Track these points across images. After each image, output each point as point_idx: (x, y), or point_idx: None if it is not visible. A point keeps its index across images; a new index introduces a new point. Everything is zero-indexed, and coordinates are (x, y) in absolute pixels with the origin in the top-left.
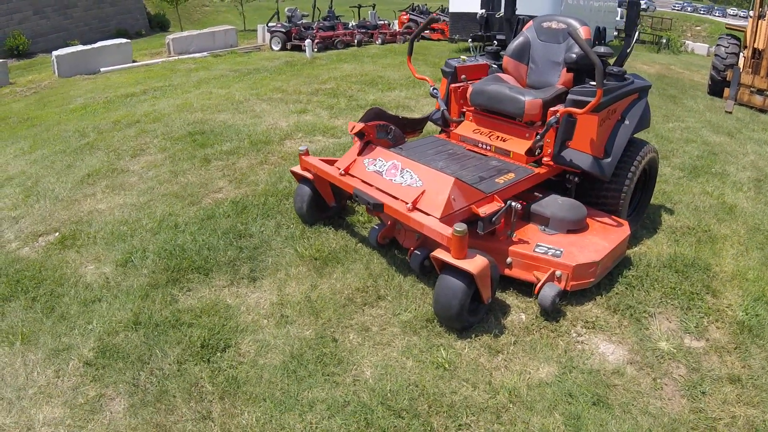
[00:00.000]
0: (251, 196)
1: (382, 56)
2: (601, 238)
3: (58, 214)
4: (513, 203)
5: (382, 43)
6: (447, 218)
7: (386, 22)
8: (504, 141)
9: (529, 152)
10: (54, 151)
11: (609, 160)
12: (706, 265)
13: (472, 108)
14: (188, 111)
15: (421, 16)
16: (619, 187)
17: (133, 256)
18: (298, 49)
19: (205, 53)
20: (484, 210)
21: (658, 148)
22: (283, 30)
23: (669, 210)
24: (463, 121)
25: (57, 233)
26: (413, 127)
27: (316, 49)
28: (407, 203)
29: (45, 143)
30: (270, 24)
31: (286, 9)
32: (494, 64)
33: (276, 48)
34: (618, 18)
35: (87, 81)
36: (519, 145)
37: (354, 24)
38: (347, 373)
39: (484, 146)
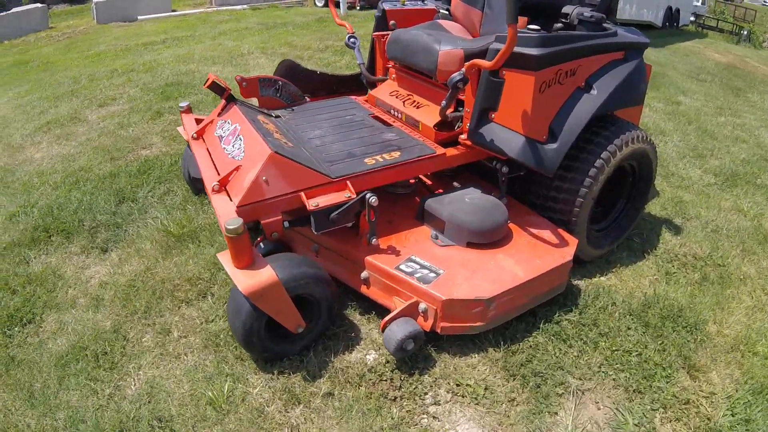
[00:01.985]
0: (168, 156)
1: None
2: (517, 262)
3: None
4: (368, 195)
5: None
6: (252, 207)
7: None
8: (418, 108)
9: (441, 125)
10: (41, 96)
11: (554, 146)
12: (699, 320)
13: (393, 63)
14: (184, 62)
15: None
16: (574, 188)
17: (22, 211)
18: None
19: (245, 6)
20: (317, 201)
21: (696, 145)
22: None
23: (675, 228)
24: (386, 79)
25: None
26: (347, 86)
27: (358, 7)
28: (216, 181)
29: (40, 88)
30: None
31: None
32: (444, 9)
33: (320, 4)
34: (698, 3)
35: (120, 28)
36: (430, 115)
37: None
38: (111, 383)
39: (397, 114)
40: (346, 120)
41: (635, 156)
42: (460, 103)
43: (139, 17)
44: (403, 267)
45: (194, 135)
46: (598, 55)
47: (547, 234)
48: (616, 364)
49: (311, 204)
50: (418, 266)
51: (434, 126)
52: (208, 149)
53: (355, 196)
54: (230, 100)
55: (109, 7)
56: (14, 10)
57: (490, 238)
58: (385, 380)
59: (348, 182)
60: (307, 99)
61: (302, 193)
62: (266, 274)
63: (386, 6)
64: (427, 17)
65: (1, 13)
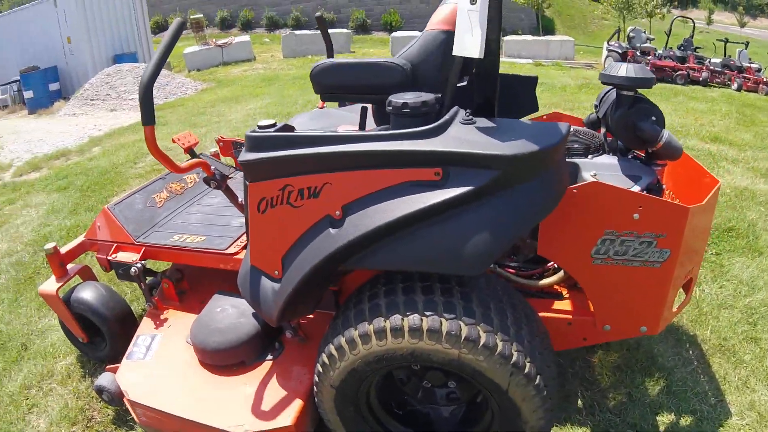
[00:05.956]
0: None
1: (699, 98)
2: (193, 392)
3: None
4: (137, 264)
5: (738, 89)
6: (90, 243)
7: (756, 65)
8: None
9: None
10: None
11: (278, 286)
12: None
13: None
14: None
15: None
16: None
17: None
18: None
19: (529, 60)
20: (117, 255)
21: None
22: (619, 51)
23: None
24: None
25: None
26: None
27: None
28: None
29: (281, 105)
30: (611, 42)
31: (629, 28)
32: None
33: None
34: None
35: None
36: None
37: (716, 60)
38: None
39: None
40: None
41: (446, 363)
42: None
43: None
44: (140, 338)
45: None
46: (366, 170)
47: (272, 389)
48: None
49: (112, 256)
50: (148, 344)
51: None
52: None
53: (138, 261)
54: (191, 154)
55: (403, 41)
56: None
57: (204, 358)
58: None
59: (143, 249)
60: None
61: (115, 244)
62: (49, 287)
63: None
64: None
65: (309, 31)
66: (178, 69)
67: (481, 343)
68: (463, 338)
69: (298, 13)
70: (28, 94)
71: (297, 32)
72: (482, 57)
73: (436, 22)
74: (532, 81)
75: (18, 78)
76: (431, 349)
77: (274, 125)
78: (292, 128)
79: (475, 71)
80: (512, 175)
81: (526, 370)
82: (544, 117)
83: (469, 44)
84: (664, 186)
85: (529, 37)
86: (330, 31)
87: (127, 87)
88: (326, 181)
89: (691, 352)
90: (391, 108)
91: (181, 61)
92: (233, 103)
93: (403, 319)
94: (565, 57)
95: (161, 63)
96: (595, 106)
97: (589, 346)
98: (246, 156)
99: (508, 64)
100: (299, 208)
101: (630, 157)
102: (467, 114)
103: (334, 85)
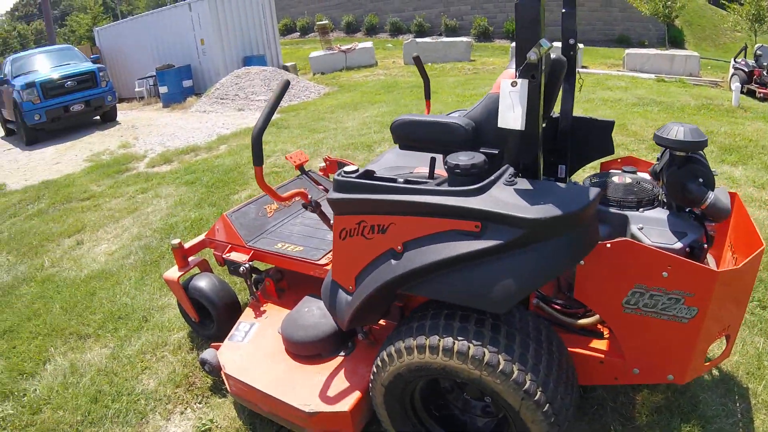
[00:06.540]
0: None
1: None
2: (277, 377)
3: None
4: (246, 264)
5: None
6: (209, 241)
7: None
8: None
9: None
10: (385, 114)
11: (350, 299)
12: None
13: None
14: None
15: None
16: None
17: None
18: (753, 95)
19: (652, 75)
20: (231, 255)
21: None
22: (745, 69)
23: None
24: None
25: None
26: None
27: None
28: None
29: (396, 114)
30: (737, 60)
31: (756, 46)
32: None
33: (733, 87)
34: None
35: None
36: None
37: None
38: None
39: None
40: None
41: (470, 381)
42: None
43: None
44: (242, 324)
45: None
46: (422, 217)
47: (339, 380)
48: None
49: (227, 255)
50: (247, 329)
51: None
52: None
53: (246, 262)
54: (301, 171)
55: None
56: (444, 39)
57: (297, 350)
58: (191, 377)
59: (252, 252)
60: None
61: (229, 245)
62: (172, 274)
63: None
64: None
65: (437, 39)
66: (303, 72)
67: (499, 369)
68: (484, 363)
69: (421, 20)
70: (162, 89)
71: (418, 40)
72: (524, 129)
73: (498, 86)
74: (608, 125)
75: (154, 74)
76: (459, 368)
77: (356, 171)
78: (372, 173)
79: (519, 139)
80: (536, 234)
81: (536, 397)
82: (619, 160)
83: (512, 119)
84: (707, 245)
85: (652, 51)
86: (451, 39)
87: (254, 89)
88: (392, 222)
89: (738, 404)
90: (446, 167)
91: (306, 64)
92: (351, 110)
93: (439, 340)
94: (690, 73)
95: (270, 115)
96: (658, 159)
97: (637, 385)
98: (333, 195)
99: (629, 78)
100: (370, 240)
101: (686, 211)
102: (510, 176)
103: (409, 137)
